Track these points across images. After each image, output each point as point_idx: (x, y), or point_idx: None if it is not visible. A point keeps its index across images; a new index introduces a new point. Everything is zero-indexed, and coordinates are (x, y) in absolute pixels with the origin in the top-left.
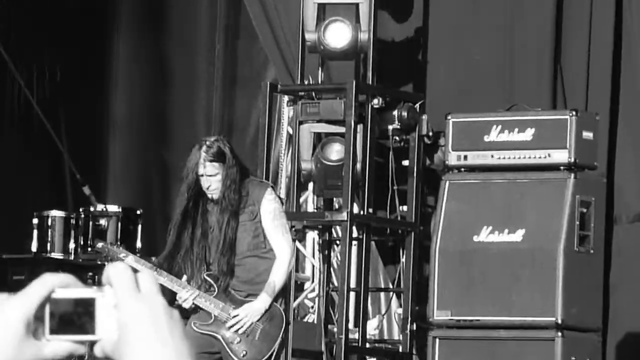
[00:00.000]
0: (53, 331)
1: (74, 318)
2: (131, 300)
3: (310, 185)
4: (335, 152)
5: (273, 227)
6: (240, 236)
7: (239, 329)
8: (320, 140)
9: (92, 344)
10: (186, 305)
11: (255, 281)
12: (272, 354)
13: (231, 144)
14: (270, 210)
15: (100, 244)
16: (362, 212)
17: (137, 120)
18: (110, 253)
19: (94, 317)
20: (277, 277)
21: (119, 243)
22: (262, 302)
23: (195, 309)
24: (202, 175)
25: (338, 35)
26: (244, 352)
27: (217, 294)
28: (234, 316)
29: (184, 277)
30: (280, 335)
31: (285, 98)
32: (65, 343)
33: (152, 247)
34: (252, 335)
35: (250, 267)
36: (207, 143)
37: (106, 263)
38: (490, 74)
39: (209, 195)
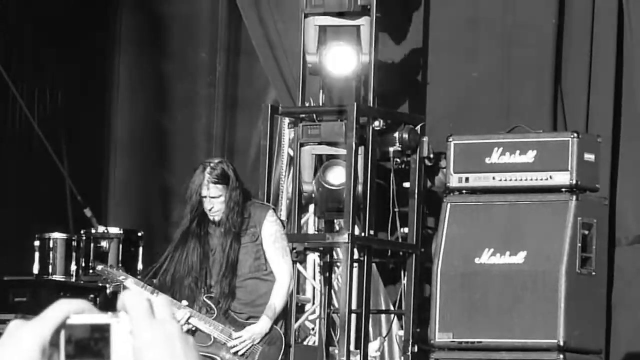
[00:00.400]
0: (68, 357)
1: (90, 344)
2: (146, 326)
3: (311, 207)
4: (336, 175)
5: (274, 249)
6: (242, 258)
7: (238, 350)
8: (321, 162)
9: None
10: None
11: (256, 303)
12: None
13: (233, 165)
14: (271, 232)
15: (99, 267)
16: (363, 234)
17: (138, 141)
18: (110, 276)
19: (109, 343)
20: (277, 299)
21: (119, 265)
22: (263, 324)
23: (195, 331)
24: (205, 197)
25: (339, 60)
26: None
27: (216, 316)
28: (236, 337)
29: (184, 302)
30: (280, 358)
31: (286, 120)
32: None
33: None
34: (252, 357)
35: (251, 289)
36: (211, 165)
37: (107, 285)
38: (490, 95)
39: (211, 217)
